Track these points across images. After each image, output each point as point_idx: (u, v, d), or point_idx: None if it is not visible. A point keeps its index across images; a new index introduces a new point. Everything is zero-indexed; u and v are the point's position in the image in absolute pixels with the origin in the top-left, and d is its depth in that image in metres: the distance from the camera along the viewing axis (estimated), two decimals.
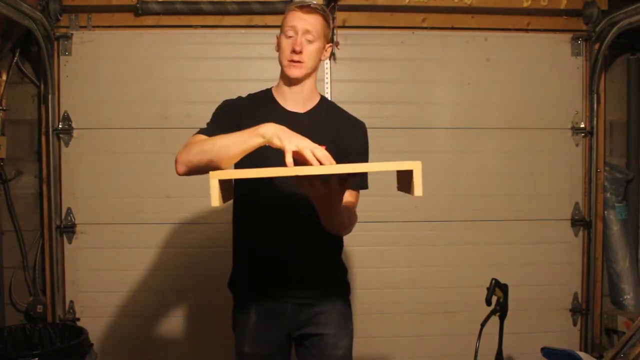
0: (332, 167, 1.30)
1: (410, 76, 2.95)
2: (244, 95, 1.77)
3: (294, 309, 1.73)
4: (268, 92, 1.78)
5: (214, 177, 1.29)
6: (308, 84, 1.73)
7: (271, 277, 1.72)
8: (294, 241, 1.70)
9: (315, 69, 1.73)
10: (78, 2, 2.79)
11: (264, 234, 1.71)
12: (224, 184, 1.35)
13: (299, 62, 1.66)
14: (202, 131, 1.60)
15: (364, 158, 1.75)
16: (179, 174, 1.52)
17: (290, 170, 1.29)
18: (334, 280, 1.79)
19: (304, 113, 1.73)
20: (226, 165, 1.45)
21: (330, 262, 1.79)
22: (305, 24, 1.66)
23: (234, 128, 1.52)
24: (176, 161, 1.51)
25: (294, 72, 1.67)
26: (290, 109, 1.73)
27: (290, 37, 1.67)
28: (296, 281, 1.72)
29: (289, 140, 1.34)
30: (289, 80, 1.71)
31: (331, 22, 1.74)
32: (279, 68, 1.72)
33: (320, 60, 1.73)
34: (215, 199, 1.29)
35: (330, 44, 1.77)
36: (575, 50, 2.99)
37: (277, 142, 1.35)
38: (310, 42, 1.67)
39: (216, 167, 1.44)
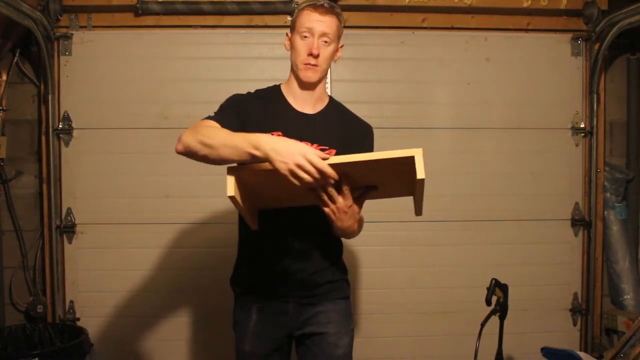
0: (336, 158, 1.42)
1: (410, 76, 2.94)
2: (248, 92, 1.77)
3: (295, 309, 1.74)
4: (277, 89, 1.77)
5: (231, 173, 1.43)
6: (320, 86, 1.73)
7: (273, 277, 1.72)
8: (296, 241, 1.71)
9: (327, 71, 1.73)
10: (78, 2, 2.79)
11: (267, 235, 1.70)
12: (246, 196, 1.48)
13: (314, 65, 1.65)
14: (212, 118, 1.60)
15: None
16: (177, 152, 1.55)
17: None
18: (334, 280, 1.79)
19: (314, 114, 1.73)
20: (220, 164, 1.51)
21: (331, 262, 1.79)
22: (323, 26, 1.64)
23: (241, 124, 1.56)
24: (179, 139, 1.52)
25: (310, 75, 1.66)
26: (300, 109, 1.73)
27: (306, 38, 1.64)
28: (298, 281, 1.72)
29: (286, 159, 1.37)
30: (302, 84, 1.70)
31: (342, 20, 1.73)
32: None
33: (333, 61, 1.72)
34: (230, 189, 1.43)
35: (342, 44, 1.75)
36: (575, 51, 2.99)
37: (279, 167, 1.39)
38: (326, 44, 1.65)
39: (209, 163, 1.52)
